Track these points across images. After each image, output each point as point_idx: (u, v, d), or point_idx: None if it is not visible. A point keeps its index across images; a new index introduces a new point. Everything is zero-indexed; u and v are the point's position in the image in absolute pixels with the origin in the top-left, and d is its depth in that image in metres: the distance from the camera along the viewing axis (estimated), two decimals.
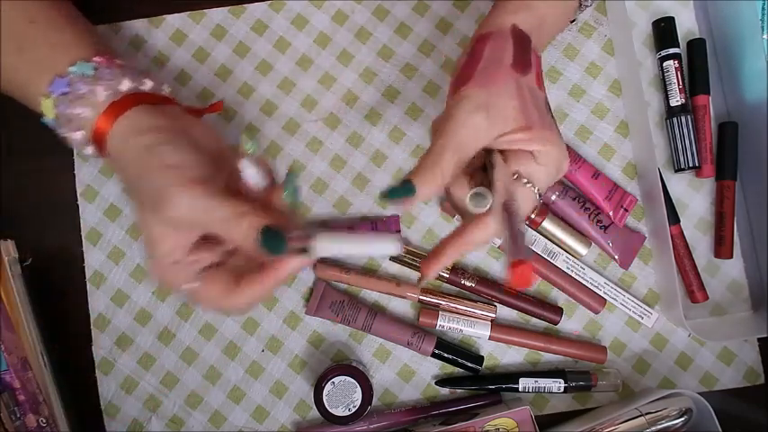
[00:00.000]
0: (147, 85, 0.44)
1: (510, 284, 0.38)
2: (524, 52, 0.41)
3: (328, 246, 0.37)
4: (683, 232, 0.56)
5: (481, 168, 0.41)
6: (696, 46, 0.57)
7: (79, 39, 0.45)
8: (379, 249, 0.37)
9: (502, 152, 0.40)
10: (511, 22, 0.41)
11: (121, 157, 0.41)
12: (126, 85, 0.42)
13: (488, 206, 0.37)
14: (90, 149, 0.43)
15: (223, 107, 0.49)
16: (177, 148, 0.40)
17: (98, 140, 0.42)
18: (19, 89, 0.45)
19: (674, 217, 0.56)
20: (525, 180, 0.39)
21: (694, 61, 0.57)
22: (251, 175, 0.39)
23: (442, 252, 0.40)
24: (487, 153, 0.40)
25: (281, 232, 0.36)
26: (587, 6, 0.47)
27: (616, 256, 0.56)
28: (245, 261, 0.41)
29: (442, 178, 0.37)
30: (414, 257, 0.55)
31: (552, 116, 0.41)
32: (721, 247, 0.56)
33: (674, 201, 0.57)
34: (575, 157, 0.56)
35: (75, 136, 0.43)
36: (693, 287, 0.56)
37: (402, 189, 0.37)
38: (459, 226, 0.40)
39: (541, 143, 0.38)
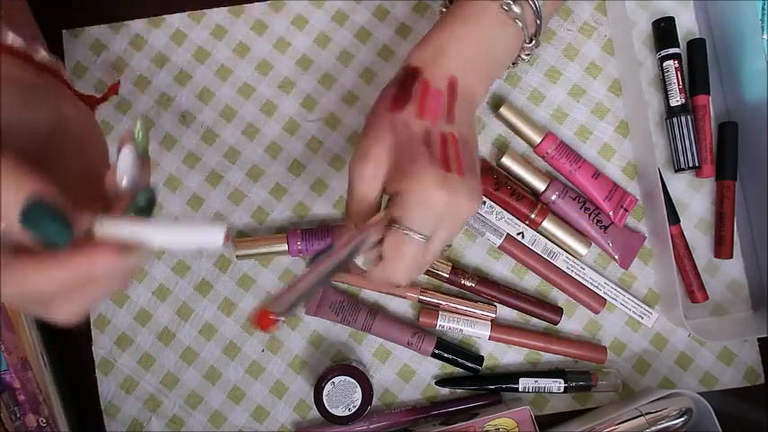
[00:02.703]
0: (41, 54, 0.38)
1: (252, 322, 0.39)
2: (404, 87, 0.42)
3: (114, 230, 0.29)
4: (683, 232, 0.56)
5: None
6: (696, 46, 0.57)
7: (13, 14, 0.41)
8: (197, 238, 0.30)
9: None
10: (405, 63, 0.44)
11: None
12: (10, 37, 0.36)
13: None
14: None
15: (119, 91, 0.45)
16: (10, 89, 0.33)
17: None
18: None
19: (674, 217, 0.56)
20: (396, 225, 0.40)
21: (694, 61, 0.57)
22: (125, 165, 0.32)
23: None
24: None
25: (59, 208, 0.28)
26: (532, 49, 0.48)
27: (616, 256, 0.56)
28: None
29: (355, 226, 0.41)
30: None
31: (419, 145, 0.40)
32: (721, 247, 0.56)
33: (674, 201, 0.57)
34: (575, 157, 0.56)
35: None
36: (693, 287, 0.56)
37: (323, 251, 0.38)
38: None
39: (407, 179, 0.39)
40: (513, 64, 0.50)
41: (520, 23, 0.45)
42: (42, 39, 0.46)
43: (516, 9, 0.44)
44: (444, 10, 0.48)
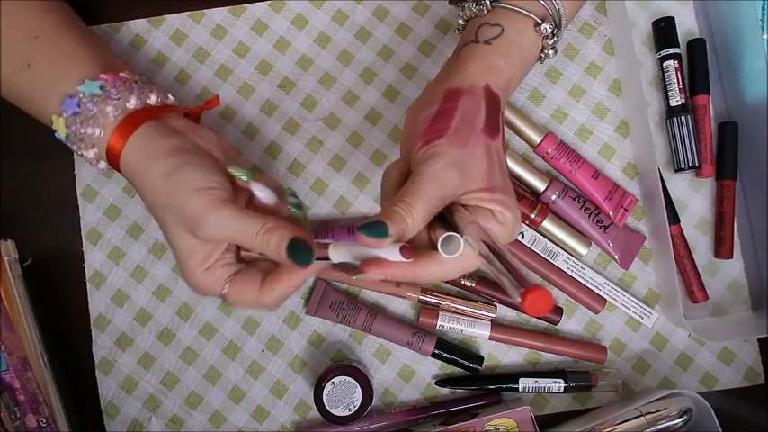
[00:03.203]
0: (152, 98, 0.45)
1: (530, 314, 0.38)
2: (495, 116, 0.42)
3: (342, 252, 0.40)
4: (683, 232, 0.56)
5: (437, 218, 0.41)
6: (696, 46, 0.57)
7: (85, 55, 0.46)
8: (390, 252, 0.39)
9: (464, 206, 0.41)
10: (484, 82, 0.43)
11: (142, 180, 0.43)
12: (132, 102, 0.44)
13: (460, 251, 0.38)
14: (104, 164, 0.45)
15: (219, 103, 0.51)
16: (199, 168, 0.42)
17: (112, 158, 0.44)
18: (28, 103, 0.47)
19: (674, 217, 0.56)
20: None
21: (694, 61, 0.57)
22: (264, 196, 0.43)
23: (389, 271, 0.40)
24: (447, 205, 0.41)
25: (308, 244, 0.39)
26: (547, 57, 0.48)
27: (616, 256, 0.56)
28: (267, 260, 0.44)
29: (413, 226, 0.38)
30: None
31: (509, 179, 0.43)
32: (721, 247, 0.56)
33: (674, 201, 0.57)
34: (575, 157, 0.56)
35: (89, 154, 0.45)
36: (693, 287, 0.56)
37: (377, 230, 0.37)
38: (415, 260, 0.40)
39: (502, 205, 0.40)
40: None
41: (547, 51, 0.46)
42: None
43: (551, 53, 0.46)
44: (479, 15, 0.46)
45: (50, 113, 0.45)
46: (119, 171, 0.45)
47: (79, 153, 0.45)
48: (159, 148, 0.43)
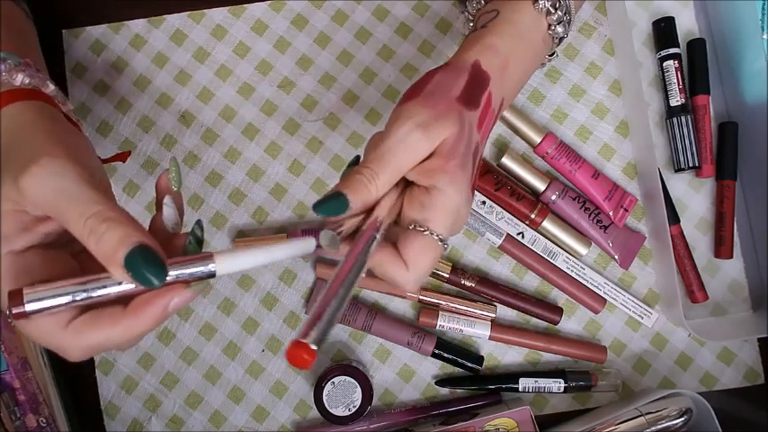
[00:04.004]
0: (67, 107, 0.42)
1: (291, 363, 0.32)
2: (476, 89, 0.40)
3: (231, 264, 0.33)
4: (683, 232, 0.56)
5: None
6: (696, 46, 0.57)
7: (19, 45, 0.44)
8: (294, 250, 0.34)
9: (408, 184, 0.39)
10: (474, 59, 0.41)
11: (6, 135, 0.36)
12: (49, 87, 0.40)
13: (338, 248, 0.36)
14: None
15: (126, 160, 0.47)
16: (66, 133, 0.36)
17: None
18: None
19: (674, 217, 0.56)
20: (422, 228, 0.37)
21: (694, 61, 0.57)
22: (169, 215, 0.36)
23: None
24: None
25: (158, 256, 0.31)
26: (554, 56, 0.47)
27: (616, 256, 0.56)
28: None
29: (376, 194, 0.36)
30: None
31: (474, 166, 0.40)
32: (721, 247, 0.56)
33: (674, 201, 0.57)
34: (575, 157, 0.56)
35: None
36: (693, 287, 0.56)
37: (335, 203, 0.35)
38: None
39: (448, 180, 0.37)
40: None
41: (557, 46, 0.45)
42: (46, 70, 0.46)
43: (560, 30, 0.44)
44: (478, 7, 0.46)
45: None
46: None
47: None
48: (45, 114, 0.38)
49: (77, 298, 0.32)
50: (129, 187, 0.57)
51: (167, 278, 0.31)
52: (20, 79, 0.39)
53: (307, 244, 0.35)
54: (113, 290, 0.32)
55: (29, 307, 0.31)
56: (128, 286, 0.32)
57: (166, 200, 0.36)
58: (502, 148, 0.57)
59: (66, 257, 0.36)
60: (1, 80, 0.39)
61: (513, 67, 0.43)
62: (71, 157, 0.33)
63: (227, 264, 0.33)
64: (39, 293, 0.31)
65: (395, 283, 0.37)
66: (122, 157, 0.47)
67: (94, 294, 0.32)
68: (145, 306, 0.32)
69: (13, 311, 0.31)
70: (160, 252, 0.31)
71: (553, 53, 0.47)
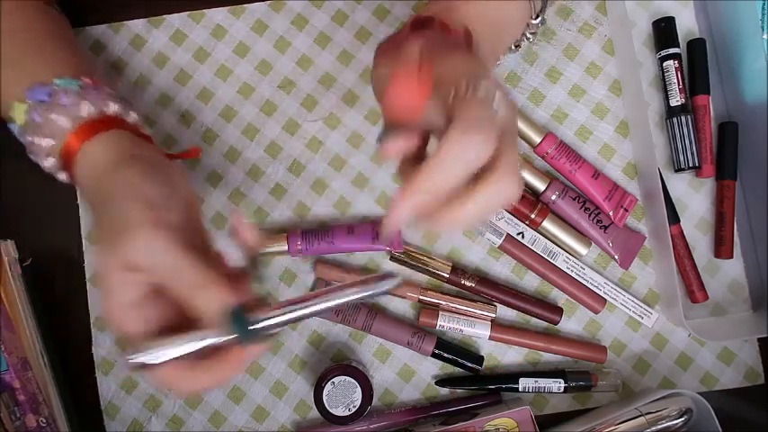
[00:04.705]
0: (132, 117, 0.42)
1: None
2: (420, 22, 0.38)
3: (274, 320, 0.35)
4: (683, 232, 0.56)
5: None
6: (696, 46, 0.57)
7: (67, 57, 0.44)
8: (374, 292, 0.35)
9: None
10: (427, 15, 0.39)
11: (91, 181, 0.38)
12: (112, 108, 0.41)
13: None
14: (52, 162, 0.40)
15: (199, 155, 0.47)
16: (155, 182, 0.36)
17: (67, 159, 0.39)
18: None
19: (674, 217, 0.56)
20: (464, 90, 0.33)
21: (694, 61, 0.57)
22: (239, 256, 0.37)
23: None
24: None
25: (251, 319, 0.34)
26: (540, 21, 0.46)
27: (616, 256, 0.56)
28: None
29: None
30: (413, 258, 0.55)
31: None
32: (722, 247, 0.56)
33: (673, 201, 0.57)
34: (575, 157, 0.56)
35: (42, 143, 0.39)
36: (694, 287, 0.56)
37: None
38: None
39: (441, 60, 0.34)
40: (515, 46, 0.49)
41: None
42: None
43: None
44: None
45: (12, 99, 0.41)
46: (68, 170, 0.40)
47: (29, 144, 0.40)
48: (123, 150, 0.38)
49: (186, 351, 0.35)
50: None
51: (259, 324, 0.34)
52: (86, 110, 0.39)
53: (382, 285, 0.35)
54: (212, 341, 0.35)
55: (144, 359, 0.35)
56: (223, 338, 0.35)
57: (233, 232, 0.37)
58: None
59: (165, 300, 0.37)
60: (70, 117, 0.39)
61: (471, 7, 0.40)
62: (162, 223, 0.34)
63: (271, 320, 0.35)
64: (153, 347, 0.35)
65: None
66: (193, 153, 0.47)
67: (197, 347, 0.35)
68: (240, 356, 0.36)
69: (130, 362, 0.34)
70: (250, 307, 0.34)
71: (538, 17, 0.45)
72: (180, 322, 0.36)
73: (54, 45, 0.45)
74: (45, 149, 0.40)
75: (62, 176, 0.41)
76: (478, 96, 0.32)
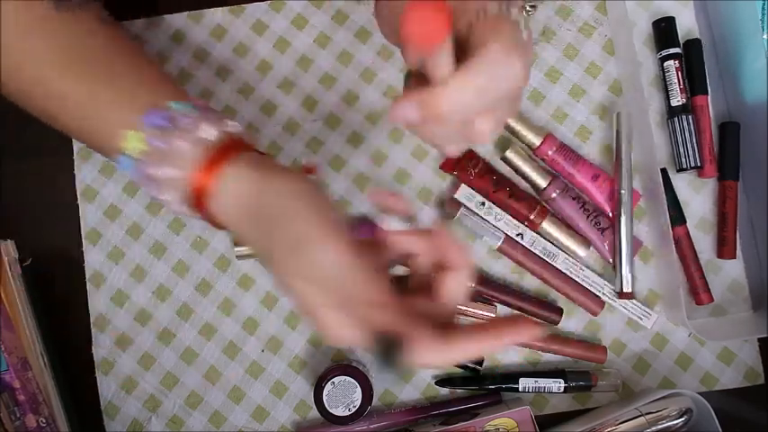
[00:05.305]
0: (237, 127, 0.39)
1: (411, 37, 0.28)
2: None
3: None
4: (689, 233, 0.56)
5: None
6: (692, 46, 0.57)
7: (164, 79, 0.40)
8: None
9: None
10: None
11: (242, 206, 0.35)
12: (231, 127, 0.37)
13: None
14: (182, 203, 0.37)
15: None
16: (320, 195, 0.35)
17: (200, 191, 0.35)
18: (91, 127, 0.39)
19: (680, 218, 0.56)
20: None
21: (691, 62, 0.57)
22: (392, 224, 0.36)
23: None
24: None
25: (397, 353, 0.32)
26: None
27: (611, 260, 0.56)
28: (437, 309, 0.35)
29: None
30: None
31: None
32: (724, 248, 0.56)
33: None
34: (575, 158, 0.56)
35: (166, 174, 0.36)
36: (699, 289, 0.55)
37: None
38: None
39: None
40: (531, 6, 0.48)
41: None
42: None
43: None
44: None
45: (120, 128, 0.36)
46: (200, 208, 0.36)
47: (146, 179, 0.36)
48: (267, 171, 0.35)
49: None
50: (128, 187, 0.57)
51: None
52: (209, 132, 0.36)
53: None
54: None
55: None
56: None
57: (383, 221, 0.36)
58: (503, 149, 0.57)
59: None
60: (197, 143, 0.35)
61: None
62: (341, 235, 0.33)
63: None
64: None
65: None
66: (312, 170, 0.43)
67: None
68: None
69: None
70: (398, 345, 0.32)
71: None
72: None
73: (143, 64, 0.41)
74: (169, 182, 0.36)
75: (183, 209, 0.38)
76: (512, 18, 0.32)
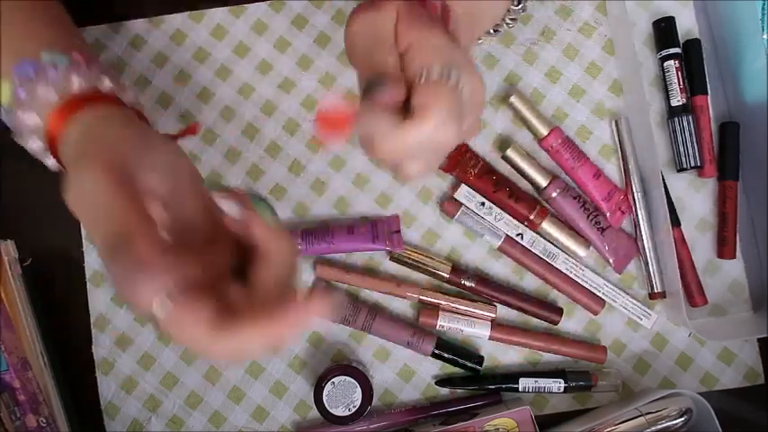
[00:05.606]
0: (129, 95, 0.40)
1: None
2: None
3: None
4: (683, 236, 0.56)
5: None
6: (691, 46, 0.57)
7: (58, 34, 0.42)
8: None
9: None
10: None
11: (72, 155, 0.35)
12: (106, 84, 0.38)
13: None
14: (38, 143, 0.38)
15: (200, 129, 0.46)
16: (126, 135, 0.34)
17: (52, 138, 0.36)
18: None
19: (674, 220, 0.56)
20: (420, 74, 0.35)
21: (691, 62, 0.57)
22: (230, 208, 0.35)
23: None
24: None
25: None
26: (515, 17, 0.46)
27: (611, 260, 0.56)
28: (246, 298, 0.32)
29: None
30: (413, 258, 0.55)
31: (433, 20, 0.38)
32: (724, 248, 0.56)
33: (674, 200, 0.57)
34: (578, 154, 0.56)
35: (28, 120, 0.37)
36: (693, 292, 0.55)
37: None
38: None
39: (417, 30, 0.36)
40: (494, 31, 0.49)
41: None
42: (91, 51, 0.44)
43: None
44: None
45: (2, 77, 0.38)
46: (56, 156, 0.37)
47: (14, 125, 0.38)
48: (116, 121, 0.36)
49: None
50: None
51: None
52: (76, 83, 0.37)
53: None
54: None
55: None
56: None
57: (221, 202, 0.35)
58: (503, 148, 0.57)
59: None
60: (57, 90, 0.36)
61: None
62: (115, 168, 0.32)
63: None
64: None
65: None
66: (192, 130, 0.44)
67: None
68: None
69: None
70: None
71: (520, 3, 0.45)
72: None
73: (42, 20, 0.42)
74: (30, 127, 0.37)
75: (49, 162, 0.39)
76: (450, 84, 0.34)
